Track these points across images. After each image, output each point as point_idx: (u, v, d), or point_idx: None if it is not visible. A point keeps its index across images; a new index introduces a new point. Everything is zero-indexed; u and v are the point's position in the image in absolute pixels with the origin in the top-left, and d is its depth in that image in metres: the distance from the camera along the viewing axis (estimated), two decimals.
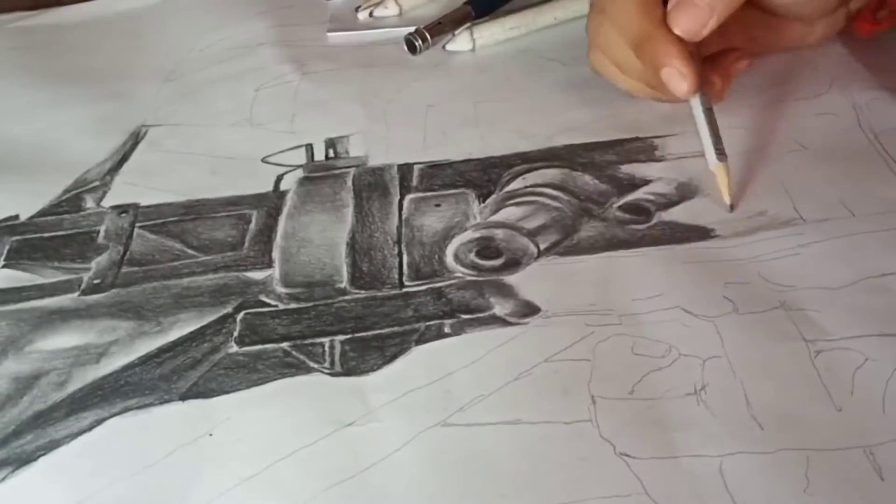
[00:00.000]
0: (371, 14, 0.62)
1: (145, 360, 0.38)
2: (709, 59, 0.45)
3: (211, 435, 0.34)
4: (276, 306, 0.40)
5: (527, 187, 0.45)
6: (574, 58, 0.55)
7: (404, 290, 0.40)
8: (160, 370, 0.37)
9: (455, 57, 0.57)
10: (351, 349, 0.37)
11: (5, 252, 0.44)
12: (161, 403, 0.36)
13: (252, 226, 0.45)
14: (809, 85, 0.50)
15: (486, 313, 0.38)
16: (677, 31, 0.42)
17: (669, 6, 0.42)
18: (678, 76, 0.42)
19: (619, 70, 0.46)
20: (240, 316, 0.39)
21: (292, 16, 0.64)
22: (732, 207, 0.42)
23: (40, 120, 0.55)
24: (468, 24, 0.58)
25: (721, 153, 0.42)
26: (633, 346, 0.36)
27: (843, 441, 0.31)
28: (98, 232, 0.45)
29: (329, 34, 0.61)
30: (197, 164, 0.50)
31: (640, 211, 0.42)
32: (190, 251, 0.43)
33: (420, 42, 0.57)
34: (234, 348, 0.38)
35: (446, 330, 0.38)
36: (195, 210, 0.46)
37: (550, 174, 0.45)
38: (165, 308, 0.40)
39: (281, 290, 0.41)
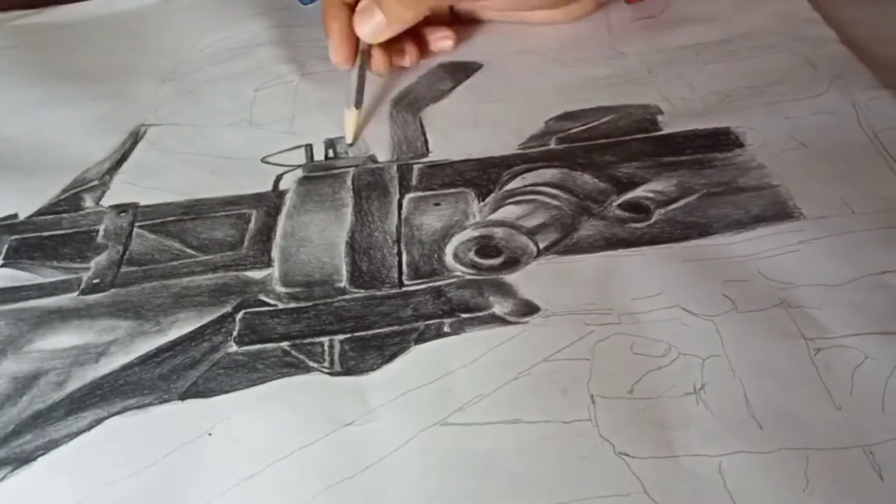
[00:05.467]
0: None
1: (144, 360, 0.38)
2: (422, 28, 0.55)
3: (210, 434, 0.34)
4: (275, 306, 0.40)
5: (526, 186, 0.45)
6: (574, 59, 0.55)
7: (404, 289, 0.40)
8: (159, 370, 0.37)
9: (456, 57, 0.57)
10: (350, 348, 0.37)
11: (4, 251, 0.44)
12: (160, 403, 0.36)
13: (251, 225, 0.45)
14: (809, 84, 0.50)
15: (486, 312, 0.38)
16: (359, 34, 0.51)
17: (357, 7, 0.51)
18: (333, 49, 0.52)
19: None
20: (239, 315, 0.39)
21: (291, 16, 0.64)
22: (351, 145, 0.50)
23: (39, 119, 0.55)
24: None
25: (357, 103, 0.51)
26: (633, 346, 0.36)
27: (843, 440, 0.31)
28: (97, 231, 0.45)
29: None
30: (196, 164, 0.50)
31: (639, 209, 0.42)
32: (189, 251, 0.43)
33: None
34: (233, 348, 0.38)
35: (446, 329, 0.38)
36: (194, 210, 0.46)
37: (550, 173, 0.45)
38: (165, 307, 0.40)
39: (280, 289, 0.40)
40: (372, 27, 0.50)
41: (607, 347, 0.36)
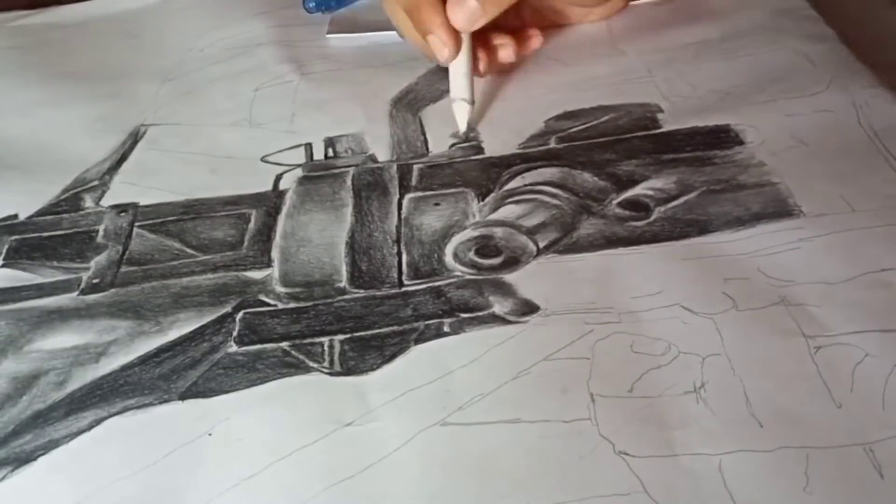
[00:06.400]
0: None
1: (144, 360, 0.38)
2: (511, 33, 0.53)
3: (210, 435, 0.34)
4: (275, 306, 0.40)
5: (526, 185, 0.45)
6: (574, 58, 0.55)
7: (403, 289, 0.40)
8: (159, 370, 0.37)
9: None
10: (350, 348, 0.37)
11: (4, 251, 0.44)
12: (160, 403, 0.36)
13: (251, 225, 0.45)
14: (809, 82, 0.49)
15: (486, 312, 0.38)
16: (454, 24, 0.48)
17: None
18: (440, 44, 0.48)
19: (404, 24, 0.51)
20: (239, 315, 0.39)
21: (292, 16, 0.64)
22: (465, 139, 0.50)
23: (39, 119, 0.55)
24: None
25: (471, 99, 0.50)
26: (633, 344, 0.36)
27: (843, 438, 0.31)
28: (97, 231, 0.45)
29: (328, 36, 0.61)
30: (196, 164, 0.50)
31: (639, 207, 0.42)
32: (189, 250, 0.43)
33: None
34: (233, 348, 0.38)
35: (445, 329, 0.38)
36: (194, 209, 0.46)
37: (549, 172, 0.45)
38: (164, 307, 0.40)
39: (280, 289, 0.40)
40: (467, 14, 0.47)
41: (607, 346, 0.36)
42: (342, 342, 0.37)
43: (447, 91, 0.54)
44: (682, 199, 0.43)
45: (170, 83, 0.58)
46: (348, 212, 0.45)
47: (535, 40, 0.54)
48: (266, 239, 0.44)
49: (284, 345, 0.38)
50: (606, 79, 0.53)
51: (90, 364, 0.38)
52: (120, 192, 0.48)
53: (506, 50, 0.53)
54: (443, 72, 0.56)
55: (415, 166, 0.47)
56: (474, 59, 0.51)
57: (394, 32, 0.59)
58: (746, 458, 0.31)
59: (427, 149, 0.49)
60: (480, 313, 0.38)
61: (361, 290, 0.40)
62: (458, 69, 0.50)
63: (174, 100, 0.56)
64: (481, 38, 0.51)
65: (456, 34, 0.48)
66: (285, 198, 0.46)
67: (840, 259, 0.38)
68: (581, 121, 0.49)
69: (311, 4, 0.61)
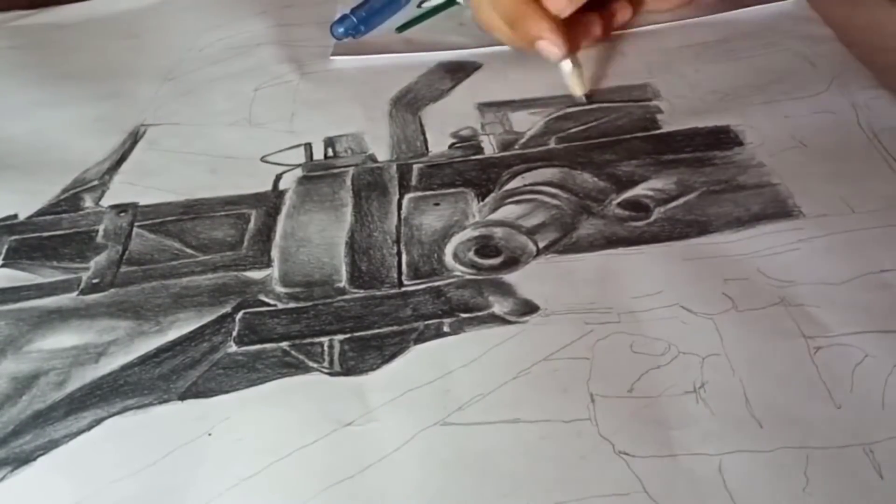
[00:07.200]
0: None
1: (144, 360, 0.38)
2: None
3: (210, 435, 0.34)
4: (275, 306, 0.40)
5: (526, 185, 0.45)
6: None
7: (403, 289, 0.40)
8: (159, 370, 0.37)
9: (455, 56, 0.57)
10: (350, 348, 0.37)
11: (4, 251, 0.44)
12: (160, 403, 0.36)
13: (251, 225, 0.45)
14: (809, 83, 0.50)
15: (485, 312, 0.38)
16: (550, 8, 0.50)
17: None
18: (553, 46, 0.50)
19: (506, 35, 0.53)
20: (239, 315, 0.39)
21: (292, 16, 0.65)
22: (587, 96, 0.51)
23: (39, 119, 0.55)
24: None
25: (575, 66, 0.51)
26: (633, 344, 0.36)
27: (843, 439, 0.31)
28: (97, 231, 0.45)
29: (332, 58, 0.60)
30: (196, 164, 0.50)
31: (639, 207, 0.42)
32: (189, 250, 0.43)
33: None
34: (232, 348, 0.38)
35: (445, 329, 0.38)
36: (194, 209, 0.46)
37: (549, 172, 0.45)
38: (164, 307, 0.40)
39: (280, 289, 0.40)
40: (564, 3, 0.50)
41: (607, 346, 0.36)
42: (342, 342, 0.37)
43: (446, 91, 0.54)
44: (681, 200, 0.43)
45: (170, 83, 0.58)
46: (348, 212, 0.45)
47: (625, 13, 0.56)
48: (266, 239, 0.44)
49: (284, 345, 0.38)
50: (607, 79, 0.53)
51: (90, 364, 0.38)
52: (120, 192, 0.48)
53: (595, 26, 0.54)
54: (442, 72, 0.56)
55: (414, 166, 0.47)
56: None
57: (397, 56, 0.59)
58: (746, 459, 0.31)
59: (427, 148, 0.49)
60: (480, 313, 0.38)
61: (361, 290, 0.40)
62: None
63: (174, 100, 0.56)
64: (572, 18, 0.52)
65: (565, 34, 0.50)
66: (285, 198, 0.46)
67: (840, 260, 0.38)
68: (581, 121, 0.49)
69: (340, 31, 0.61)
